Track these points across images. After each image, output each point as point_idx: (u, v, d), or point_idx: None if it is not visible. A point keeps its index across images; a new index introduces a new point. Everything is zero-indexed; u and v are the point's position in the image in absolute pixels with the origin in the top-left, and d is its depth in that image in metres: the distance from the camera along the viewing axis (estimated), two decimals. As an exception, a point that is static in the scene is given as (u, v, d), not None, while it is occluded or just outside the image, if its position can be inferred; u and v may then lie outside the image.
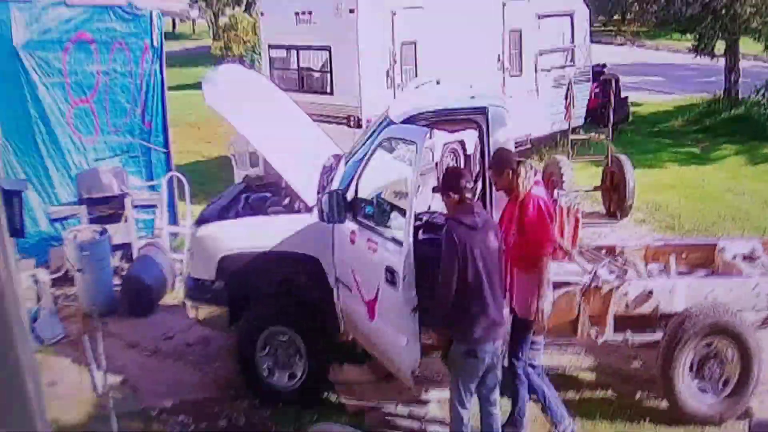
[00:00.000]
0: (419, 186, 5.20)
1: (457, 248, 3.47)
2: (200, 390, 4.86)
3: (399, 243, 3.88)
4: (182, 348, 5.45)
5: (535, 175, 3.96)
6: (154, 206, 6.94)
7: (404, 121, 4.31)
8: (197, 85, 5.12)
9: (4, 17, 6.23)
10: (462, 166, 8.88)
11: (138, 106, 7.11)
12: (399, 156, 4.81)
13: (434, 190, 4.41)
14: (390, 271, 3.88)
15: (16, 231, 3.59)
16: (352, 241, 4.27)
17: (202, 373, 5.09)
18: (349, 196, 4.27)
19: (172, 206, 7.22)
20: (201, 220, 4.89)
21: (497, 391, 3.75)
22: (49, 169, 6.61)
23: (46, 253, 6.42)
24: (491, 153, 4.17)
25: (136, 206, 6.73)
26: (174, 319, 5.87)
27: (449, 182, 3.67)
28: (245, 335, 4.61)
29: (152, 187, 7.13)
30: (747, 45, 13.29)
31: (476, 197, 4.24)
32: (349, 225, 4.28)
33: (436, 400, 4.54)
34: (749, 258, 4.88)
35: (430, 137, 4.39)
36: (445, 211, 4.45)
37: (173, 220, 7.23)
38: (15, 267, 1.49)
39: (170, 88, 7.61)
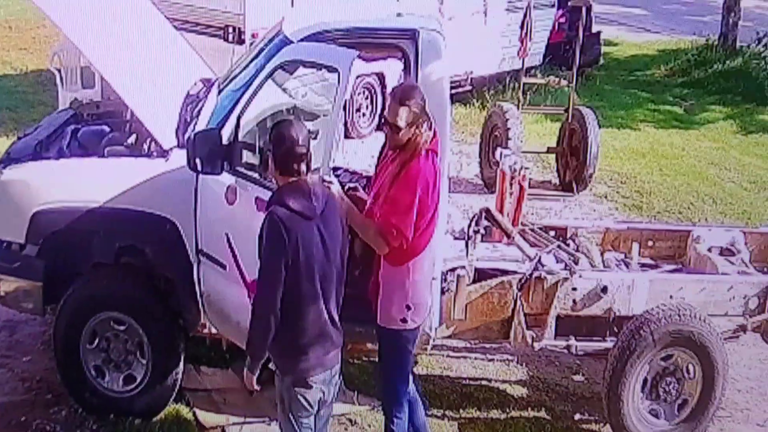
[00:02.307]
0: (319, 132, 5.34)
1: (284, 245, 3.49)
2: (2, 391, 4.90)
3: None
4: None
5: (435, 135, 4.03)
6: None
7: (303, 40, 4.41)
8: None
9: None
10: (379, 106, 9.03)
11: None
12: (300, 86, 4.89)
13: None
14: None
15: None
16: (230, 201, 4.37)
17: (5, 369, 5.12)
18: (225, 138, 4.33)
19: None
20: (8, 159, 4.85)
21: (328, 427, 3.97)
22: None
23: None
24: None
25: None
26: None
27: (275, 145, 3.64)
28: (67, 322, 4.66)
29: None
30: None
31: None
32: (224, 179, 4.37)
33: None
34: (727, 251, 5.42)
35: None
36: (351, 168, 4.60)
37: None
38: None
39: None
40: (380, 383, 4.31)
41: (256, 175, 4.38)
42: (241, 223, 4.31)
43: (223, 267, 4.47)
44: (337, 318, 3.72)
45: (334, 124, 4.30)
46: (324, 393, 3.72)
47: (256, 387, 3.70)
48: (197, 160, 4.26)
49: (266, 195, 4.16)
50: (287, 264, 3.51)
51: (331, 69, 4.23)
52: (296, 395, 3.67)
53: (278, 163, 3.61)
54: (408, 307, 4.02)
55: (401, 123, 3.91)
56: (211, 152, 4.26)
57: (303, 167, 3.59)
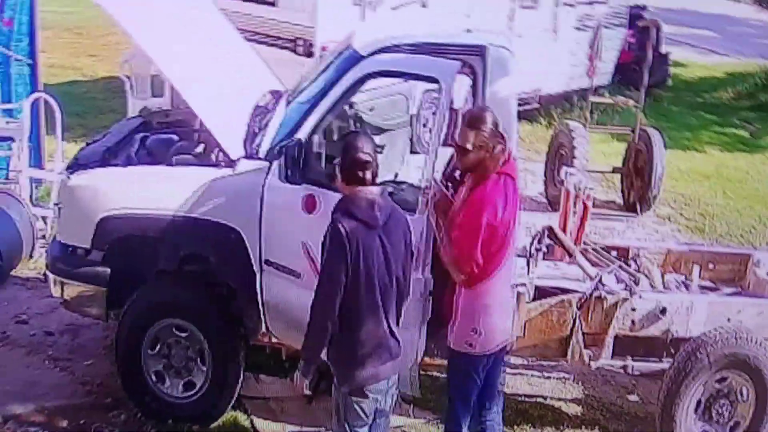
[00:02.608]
0: (385, 146, 5.40)
1: (345, 253, 3.51)
2: (63, 394, 4.97)
3: (410, 211, 4.10)
4: (41, 337, 5.57)
5: (509, 158, 3.97)
6: (10, 139, 6.88)
7: (372, 54, 4.48)
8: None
9: None
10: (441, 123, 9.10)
11: (-6, -3, 7.05)
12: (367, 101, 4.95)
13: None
14: None
15: None
16: (309, 209, 4.37)
17: (66, 373, 5.21)
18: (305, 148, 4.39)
19: (36, 141, 7.19)
20: (77, 165, 4.92)
21: None
22: None
23: None
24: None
25: (-17, 137, 6.74)
26: (31, 297, 5.99)
27: (342, 153, 3.70)
28: (129, 327, 4.71)
29: (9, 112, 7.10)
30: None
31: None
32: (297, 188, 4.40)
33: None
34: (787, 276, 5.34)
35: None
36: (413, 182, 4.65)
37: (37, 160, 7.23)
38: None
39: (43, -25, 7.61)
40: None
41: None
42: (323, 231, 4.26)
43: (298, 276, 4.45)
44: (396, 330, 3.73)
45: (437, 134, 4.29)
46: (380, 402, 3.73)
47: (308, 391, 3.74)
48: (289, 171, 4.36)
49: None
50: (347, 272, 3.54)
51: (432, 80, 4.27)
52: (352, 404, 3.69)
53: (344, 172, 3.66)
54: (475, 331, 3.96)
55: (469, 146, 3.91)
56: (297, 162, 4.35)
57: (368, 176, 3.63)
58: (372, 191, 3.65)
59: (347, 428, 3.75)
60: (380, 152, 4.91)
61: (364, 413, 3.71)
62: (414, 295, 4.04)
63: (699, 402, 4.72)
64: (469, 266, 3.88)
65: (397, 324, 3.78)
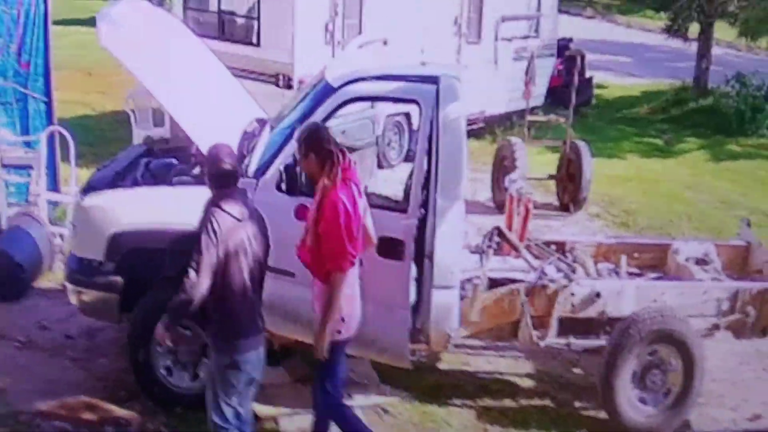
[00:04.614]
0: (355, 163, 5.38)
1: (217, 237, 3.55)
2: (83, 390, 4.89)
3: (402, 210, 4.23)
4: (61, 340, 5.47)
5: (350, 166, 3.92)
6: (29, 167, 6.78)
7: (342, 86, 4.47)
8: (91, 21, 5.07)
9: None
10: (403, 141, 9.17)
11: (13, 42, 6.89)
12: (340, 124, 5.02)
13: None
14: (392, 243, 4.09)
15: None
16: (301, 216, 4.31)
17: (84, 371, 5.13)
18: (281, 167, 4.41)
19: (52, 168, 7.10)
20: (89, 188, 4.88)
21: (249, 405, 3.95)
22: None
23: None
24: (440, 130, 4.33)
25: (6, 166, 6.62)
26: (51, 305, 5.86)
27: (207, 165, 3.72)
28: (140, 327, 4.65)
29: (28, 144, 6.99)
30: (722, 31, 14.23)
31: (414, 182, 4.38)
32: (285, 200, 4.38)
33: (360, 406, 4.76)
34: (702, 261, 5.41)
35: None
36: (383, 194, 4.62)
37: (53, 185, 7.13)
38: None
39: (56, 23, 7.43)
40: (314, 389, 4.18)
41: None
42: None
43: (292, 275, 4.39)
44: (260, 308, 3.79)
45: (422, 153, 4.33)
46: (250, 373, 3.73)
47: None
48: (286, 184, 4.41)
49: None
50: (218, 257, 3.54)
51: (411, 101, 4.30)
52: (228, 376, 3.70)
53: (211, 180, 3.69)
54: (342, 320, 3.91)
55: (304, 165, 3.96)
56: (293, 177, 4.38)
57: (231, 182, 3.69)
58: (237, 191, 3.72)
59: (222, 397, 3.74)
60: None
61: (238, 383, 3.72)
62: None
63: (634, 372, 4.74)
64: (348, 261, 3.83)
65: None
